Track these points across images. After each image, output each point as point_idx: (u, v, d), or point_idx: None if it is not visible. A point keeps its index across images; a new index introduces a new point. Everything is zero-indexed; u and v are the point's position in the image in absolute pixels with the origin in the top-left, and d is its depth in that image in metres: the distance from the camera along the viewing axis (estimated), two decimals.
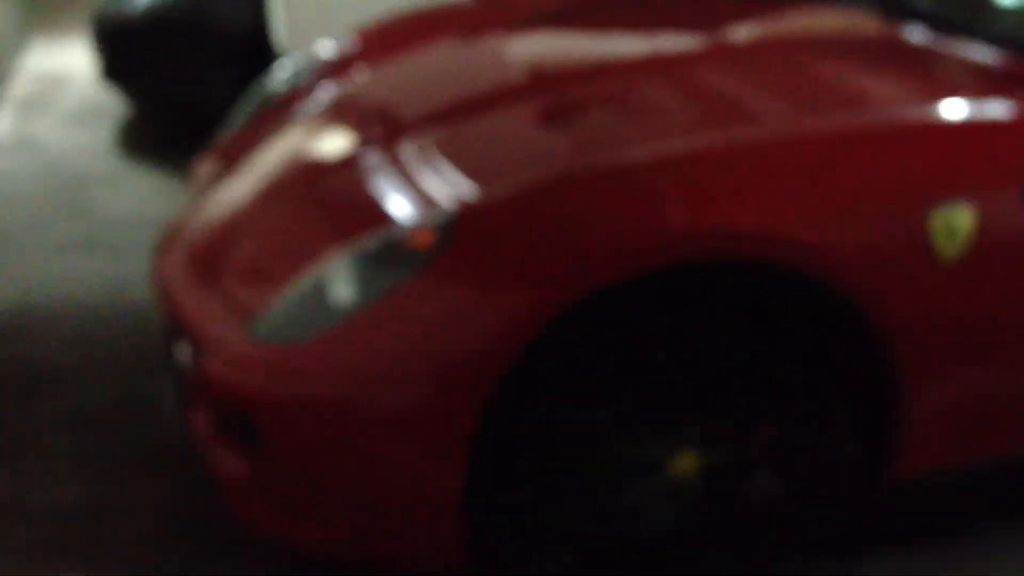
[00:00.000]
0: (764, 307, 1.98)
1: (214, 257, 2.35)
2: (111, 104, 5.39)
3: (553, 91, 2.54)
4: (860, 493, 2.15)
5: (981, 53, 2.40)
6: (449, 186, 2.18)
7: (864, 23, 2.68)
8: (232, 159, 2.81)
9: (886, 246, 1.94)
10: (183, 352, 2.25)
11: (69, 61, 6.21)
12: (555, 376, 1.92)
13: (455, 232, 1.93)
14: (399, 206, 2.20)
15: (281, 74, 3.08)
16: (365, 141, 2.52)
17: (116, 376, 2.95)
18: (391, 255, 1.97)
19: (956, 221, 1.96)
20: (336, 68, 3.04)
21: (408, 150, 2.41)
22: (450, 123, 2.48)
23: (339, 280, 1.98)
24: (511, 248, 1.90)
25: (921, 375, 2.02)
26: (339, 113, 2.75)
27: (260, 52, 4.24)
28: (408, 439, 1.90)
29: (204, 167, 2.86)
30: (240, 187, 2.58)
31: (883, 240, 1.94)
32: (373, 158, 2.43)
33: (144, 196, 4.20)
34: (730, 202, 1.91)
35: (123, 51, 4.53)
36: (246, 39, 4.27)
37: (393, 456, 1.92)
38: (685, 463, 2.01)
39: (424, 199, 2.18)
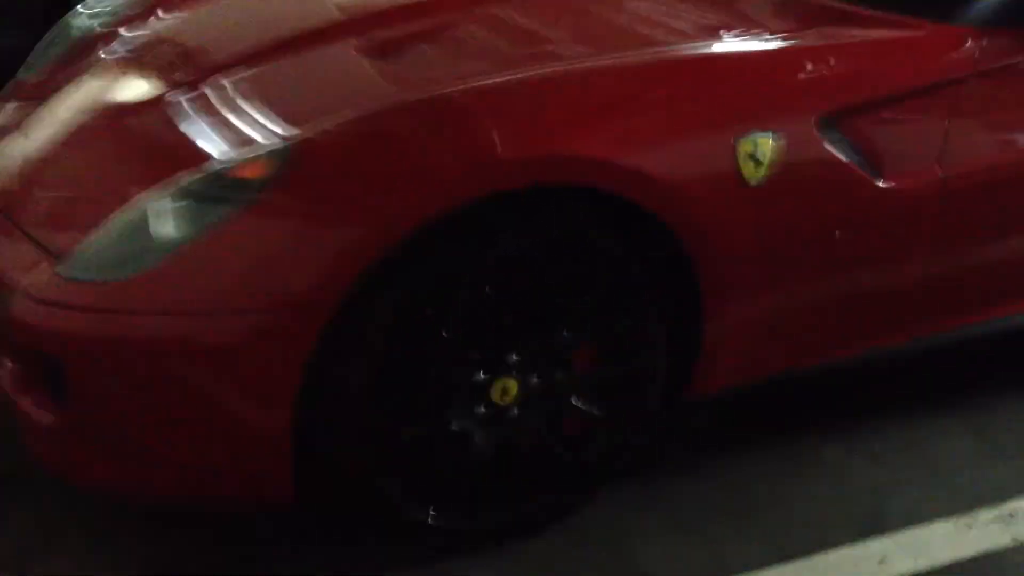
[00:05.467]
0: (581, 234, 2.06)
1: (18, 202, 2.27)
2: None
3: (372, 29, 2.57)
4: (665, 411, 2.26)
5: None
6: (272, 122, 2.17)
7: None
8: (36, 101, 2.71)
9: (697, 172, 2.05)
10: None
11: None
12: (386, 307, 1.95)
13: (291, 163, 1.92)
14: (219, 143, 2.17)
15: (84, 17, 2.97)
16: (178, 81, 2.48)
17: None
18: (218, 188, 1.95)
19: (760, 148, 2.08)
20: (143, 11, 2.96)
21: (225, 88, 2.38)
22: (269, 61, 2.47)
23: (161, 216, 1.94)
24: (347, 179, 1.92)
25: (726, 295, 2.14)
26: (148, 53, 2.70)
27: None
28: (237, 373, 1.89)
29: (2, 112, 2.74)
30: (45, 130, 2.49)
31: (694, 166, 2.05)
32: (187, 98, 2.39)
33: None
34: (553, 130, 1.98)
35: None
36: None
37: (221, 392, 1.91)
38: (507, 390, 2.07)
39: (245, 136, 2.16)
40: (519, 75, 2.11)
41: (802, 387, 2.43)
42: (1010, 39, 2.34)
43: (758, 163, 2.08)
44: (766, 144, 2.08)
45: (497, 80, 2.07)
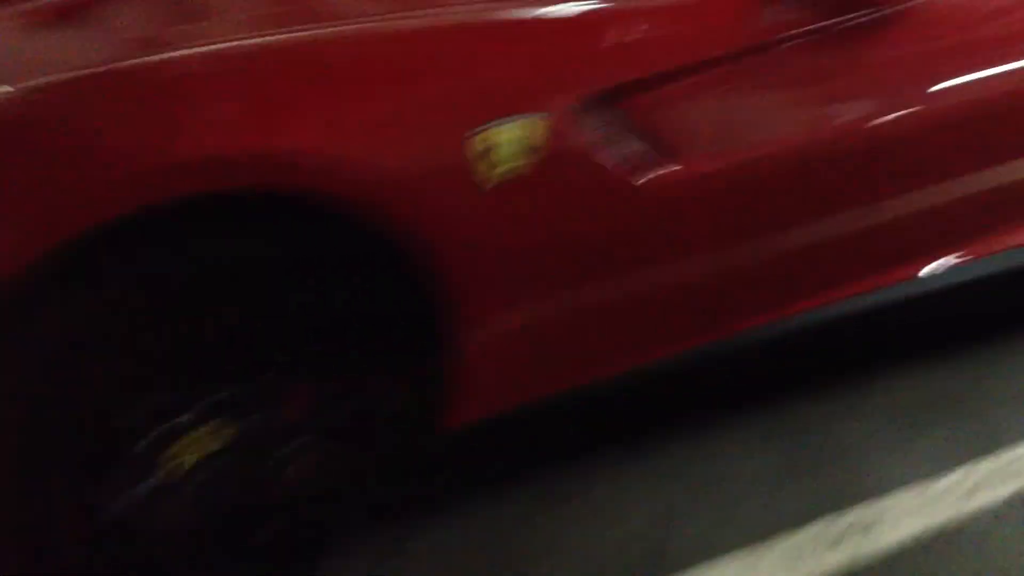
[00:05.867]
0: (294, 247, 1.63)
1: None
2: None
3: None
4: (415, 449, 1.88)
5: None
6: None
7: None
8: None
9: (423, 173, 1.65)
10: None
11: None
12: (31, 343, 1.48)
13: None
14: None
15: None
16: None
17: None
18: None
19: (498, 139, 1.69)
20: None
21: None
22: None
23: None
24: None
25: (469, 313, 1.77)
26: None
27: None
28: None
29: None
30: None
31: (420, 165, 1.64)
32: None
33: None
34: (234, 123, 1.54)
35: None
36: None
37: None
38: (203, 443, 1.64)
39: None
40: (211, 47, 1.65)
41: (566, 408, 2.08)
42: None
43: (495, 156, 1.69)
44: (507, 134, 1.69)
45: (174, 54, 1.60)
